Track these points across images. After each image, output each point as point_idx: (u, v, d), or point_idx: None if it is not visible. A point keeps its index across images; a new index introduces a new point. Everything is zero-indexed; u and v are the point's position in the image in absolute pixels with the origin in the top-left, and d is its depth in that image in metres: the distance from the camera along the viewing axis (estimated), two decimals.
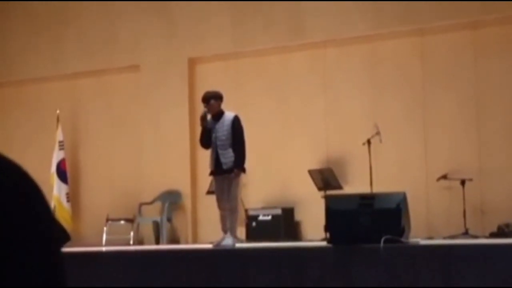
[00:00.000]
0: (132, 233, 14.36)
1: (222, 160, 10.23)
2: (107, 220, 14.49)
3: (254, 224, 13.34)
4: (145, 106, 15.02)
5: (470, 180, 12.35)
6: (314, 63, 13.99)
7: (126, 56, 15.26)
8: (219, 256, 9.12)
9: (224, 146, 10.25)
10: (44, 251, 1.07)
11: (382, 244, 7.87)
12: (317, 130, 13.81)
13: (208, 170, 10.57)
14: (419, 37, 13.32)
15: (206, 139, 10.42)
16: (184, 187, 14.55)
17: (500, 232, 11.79)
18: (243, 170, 10.31)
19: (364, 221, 8.34)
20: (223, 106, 10.48)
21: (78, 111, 15.84)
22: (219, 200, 10.36)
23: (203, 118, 10.37)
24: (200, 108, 10.79)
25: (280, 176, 13.93)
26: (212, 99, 10.37)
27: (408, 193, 8.73)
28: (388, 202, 8.50)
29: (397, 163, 13.19)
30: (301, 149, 13.84)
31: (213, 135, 10.32)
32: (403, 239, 8.19)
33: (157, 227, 14.34)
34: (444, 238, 11.68)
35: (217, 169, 10.31)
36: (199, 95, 11.10)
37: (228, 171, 10.19)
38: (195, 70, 14.95)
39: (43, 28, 16.07)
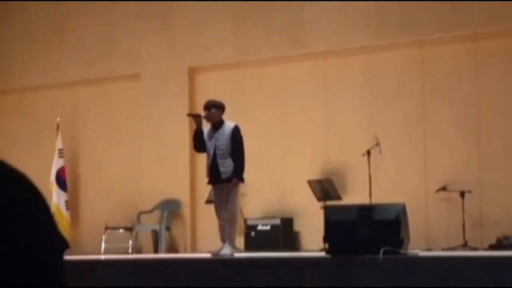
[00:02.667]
0: (130, 242, 14.35)
1: (221, 169, 10.23)
2: (106, 228, 14.47)
3: (253, 233, 13.32)
4: (145, 115, 15.02)
5: (470, 192, 12.34)
6: (314, 74, 14.00)
7: (126, 64, 15.27)
8: (217, 266, 9.11)
9: (224, 156, 10.25)
10: (46, 259, 1.07)
11: (381, 255, 7.86)
12: (317, 140, 13.80)
13: (207, 179, 10.57)
14: (420, 49, 13.33)
15: (200, 142, 10.40)
16: (183, 196, 14.54)
17: (499, 244, 11.77)
18: (241, 180, 10.31)
19: (363, 232, 8.34)
20: (224, 115, 10.49)
21: (78, 119, 15.84)
22: (217, 210, 10.35)
23: (196, 116, 10.43)
24: None
25: (279, 186, 13.92)
26: (214, 108, 10.38)
27: (407, 204, 8.72)
28: (387, 213, 8.50)
29: (396, 174, 13.18)
30: (301, 159, 13.83)
31: (212, 143, 10.31)
32: (402, 251, 8.18)
33: (156, 235, 14.32)
34: (443, 249, 11.66)
35: (216, 178, 10.31)
36: (199, 104, 11.13)
37: (227, 180, 10.19)
38: (196, 80, 14.96)
39: (43, 36, 16.07)
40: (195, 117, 10.47)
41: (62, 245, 1.11)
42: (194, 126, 10.60)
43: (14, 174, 1.09)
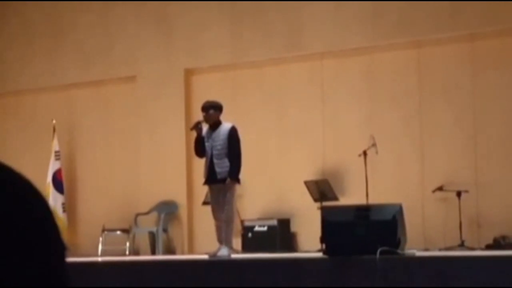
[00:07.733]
0: (128, 244, 14.34)
1: (217, 169, 10.24)
2: (103, 230, 14.47)
3: (250, 235, 13.31)
4: (141, 117, 15.01)
5: (466, 192, 12.33)
6: (311, 75, 13.99)
7: (122, 67, 15.26)
8: (214, 267, 9.12)
9: (220, 156, 10.26)
10: (52, 265, 1.07)
11: (378, 255, 7.87)
12: (314, 141, 13.80)
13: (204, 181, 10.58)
14: (417, 49, 13.34)
15: (201, 148, 10.43)
16: (180, 198, 14.53)
17: (496, 244, 11.78)
18: (237, 181, 10.31)
19: (360, 233, 8.34)
20: (221, 116, 10.50)
21: (75, 121, 15.83)
22: (214, 211, 10.35)
23: (196, 126, 10.42)
24: (197, 118, 10.82)
25: (276, 187, 13.92)
26: (212, 109, 10.40)
27: (404, 204, 8.73)
28: (384, 214, 8.50)
29: (393, 174, 13.18)
30: (298, 160, 13.83)
31: (209, 144, 10.33)
32: (399, 251, 8.19)
33: (153, 237, 14.32)
34: (440, 249, 11.67)
35: (212, 179, 10.31)
36: (196, 106, 11.13)
37: (222, 180, 10.19)
38: (192, 81, 14.95)
39: (40, 39, 16.06)
40: (196, 126, 10.46)
41: (65, 251, 1.12)
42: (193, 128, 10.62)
43: (19, 181, 1.09)
